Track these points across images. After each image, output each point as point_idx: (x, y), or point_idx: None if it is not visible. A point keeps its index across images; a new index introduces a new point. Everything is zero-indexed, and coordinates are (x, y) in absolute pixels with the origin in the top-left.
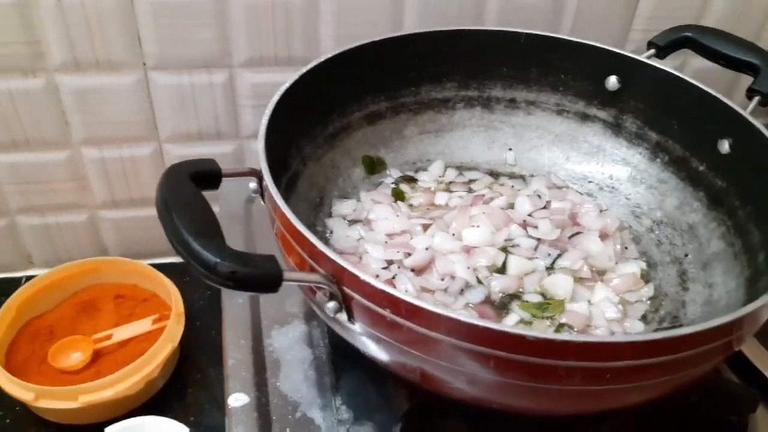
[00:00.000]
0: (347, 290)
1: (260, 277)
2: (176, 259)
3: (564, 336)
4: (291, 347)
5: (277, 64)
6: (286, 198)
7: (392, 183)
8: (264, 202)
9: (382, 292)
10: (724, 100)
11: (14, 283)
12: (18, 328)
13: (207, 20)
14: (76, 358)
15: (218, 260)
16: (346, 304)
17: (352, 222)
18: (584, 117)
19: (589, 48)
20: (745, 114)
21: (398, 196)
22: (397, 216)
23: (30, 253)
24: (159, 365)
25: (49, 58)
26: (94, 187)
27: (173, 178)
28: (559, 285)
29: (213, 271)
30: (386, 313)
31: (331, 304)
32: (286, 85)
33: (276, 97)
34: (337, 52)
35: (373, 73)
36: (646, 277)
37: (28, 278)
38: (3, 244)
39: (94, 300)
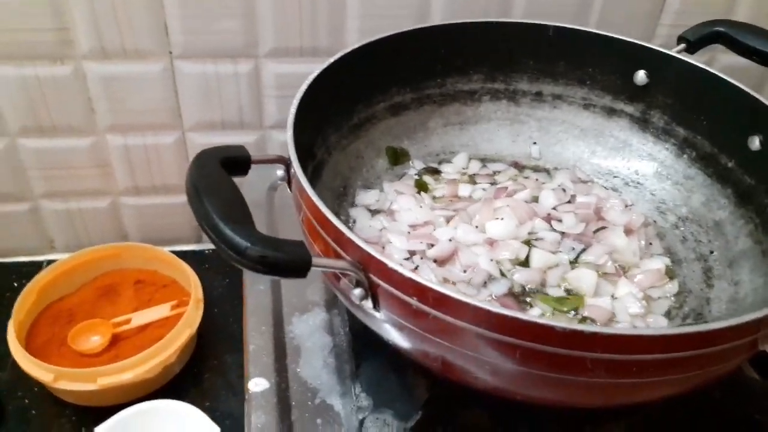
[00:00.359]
0: (373, 277)
1: (289, 262)
2: (196, 247)
3: (593, 327)
4: (311, 334)
5: (302, 55)
6: (312, 186)
7: (416, 174)
8: (290, 190)
9: (410, 280)
10: (756, 95)
11: (36, 267)
12: (39, 311)
13: (234, 10)
14: (95, 341)
15: (249, 245)
16: (372, 292)
17: (375, 212)
18: (611, 111)
19: (618, 42)
20: None
21: (421, 187)
22: (420, 207)
23: (52, 237)
24: (177, 350)
25: (77, 45)
26: (117, 173)
27: (203, 163)
28: (583, 279)
29: (243, 255)
30: (413, 301)
31: (357, 291)
32: (314, 75)
33: (303, 87)
34: (362, 43)
35: (398, 64)
36: (670, 274)
37: (50, 262)
38: (26, 228)
39: (114, 285)
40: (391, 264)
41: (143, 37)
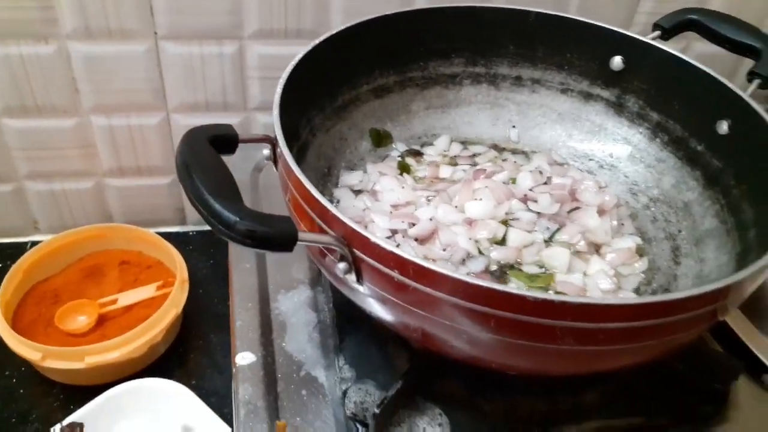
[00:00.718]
0: (357, 252)
1: (277, 236)
2: (180, 228)
3: (562, 297)
4: (296, 311)
5: (287, 37)
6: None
7: (398, 156)
8: (276, 169)
9: (391, 253)
10: (725, 81)
11: (20, 248)
12: (25, 292)
13: None
14: (81, 321)
15: (237, 219)
16: (355, 266)
17: (359, 192)
18: (588, 96)
19: (595, 28)
20: (745, 96)
21: (404, 168)
22: (402, 188)
23: (36, 218)
24: (162, 330)
25: (62, 24)
26: (102, 154)
27: (193, 141)
28: (556, 257)
29: (232, 230)
30: (394, 274)
31: (342, 265)
32: (299, 56)
33: (289, 69)
34: (346, 26)
35: (382, 47)
36: (640, 252)
37: (34, 244)
38: (9, 209)
39: (99, 265)
40: (373, 238)
41: (128, 17)
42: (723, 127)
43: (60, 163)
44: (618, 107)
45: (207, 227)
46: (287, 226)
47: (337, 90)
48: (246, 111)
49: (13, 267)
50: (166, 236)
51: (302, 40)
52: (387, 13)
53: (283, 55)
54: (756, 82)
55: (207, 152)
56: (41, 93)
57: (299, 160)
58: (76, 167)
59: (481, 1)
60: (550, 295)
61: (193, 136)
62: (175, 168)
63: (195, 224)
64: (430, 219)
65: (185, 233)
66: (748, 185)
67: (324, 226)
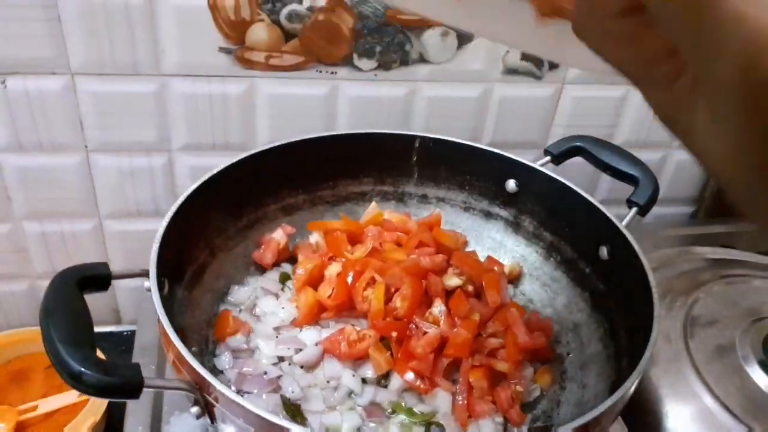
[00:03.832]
0: (208, 397)
1: (122, 385)
2: (114, 328)
3: None
4: None
5: (215, 150)
6: (190, 290)
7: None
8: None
9: (237, 404)
10: (602, 209)
11: None
12: None
13: (147, 109)
14: (0, 429)
15: (83, 369)
16: (208, 410)
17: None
18: (488, 214)
19: (489, 154)
20: (619, 224)
21: (284, 278)
22: (283, 308)
23: None
24: None
25: None
26: (35, 258)
27: (59, 285)
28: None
29: (79, 381)
30: (239, 422)
31: (194, 409)
32: (188, 191)
33: (175, 205)
34: (249, 153)
35: (290, 169)
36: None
37: None
38: None
39: (25, 369)
40: (221, 387)
41: (59, 132)
42: (604, 252)
43: None
44: (516, 226)
45: None
46: (132, 374)
47: (241, 210)
48: None
49: None
50: (102, 336)
51: (231, 152)
52: (290, 140)
53: (213, 165)
54: (634, 209)
55: (71, 296)
56: None
57: (195, 283)
58: (10, 270)
59: (399, 129)
60: None
61: (60, 280)
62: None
63: (130, 323)
64: (316, 344)
65: (120, 333)
66: (624, 311)
67: (182, 368)
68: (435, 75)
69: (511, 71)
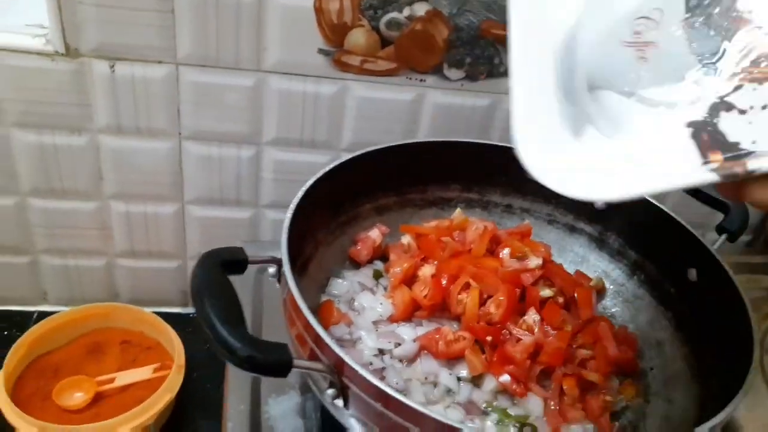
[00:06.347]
0: (346, 381)
1: (273, 363)
2: (181, 309)
3: None
4: (285, 416)
5: (301, 146)
6: (299, 280)
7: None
8: (279, 285)
9: (376, 387)
10: (694, 232)
11: (26, 317)
12: (27, 364)
13: (243, 102)
14: (78, 397)
15: (239, 346)
16: (343, 393)
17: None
18: (572, 229)
19: None
20: (711, 248)
21: (377, 275)
22: (381, 305)
23: (46, 290)
24: (155, 414)
25: (96, 120)
26: (117, 236)
27: (206, 266)
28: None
29: (234, 355)
30: (377, 405)
31: (330, 391)
32: (307, 184)
33: (297, 198)
34: (352, 155)
35: (385, 172)
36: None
37: (41, 313)
38: (22, 279)
39: (101, 343)
40: (361, 371)
41: (157, 119)
42: (692, 274)
43: (77, 241)
44: (600, 242)
45: None
46: (283, 355)
47: (339, 208)
48: (257, 207)
49: (19, 340)
50: (169, 316)
51: (316, 150)
52: (389, 144)
53: (297, 161)
54: (724, 236)
55: (218, 277)
56: (68, 178)
57: (302, 274)
58: (92, 246)
59: (478, 138)
60: None
61: (207, 260)
62: (184, 254)
63: None
64: (414, 340)
65: (187, 314)
66: (713, 333)
67: (318, 351)
68: None
69: None
